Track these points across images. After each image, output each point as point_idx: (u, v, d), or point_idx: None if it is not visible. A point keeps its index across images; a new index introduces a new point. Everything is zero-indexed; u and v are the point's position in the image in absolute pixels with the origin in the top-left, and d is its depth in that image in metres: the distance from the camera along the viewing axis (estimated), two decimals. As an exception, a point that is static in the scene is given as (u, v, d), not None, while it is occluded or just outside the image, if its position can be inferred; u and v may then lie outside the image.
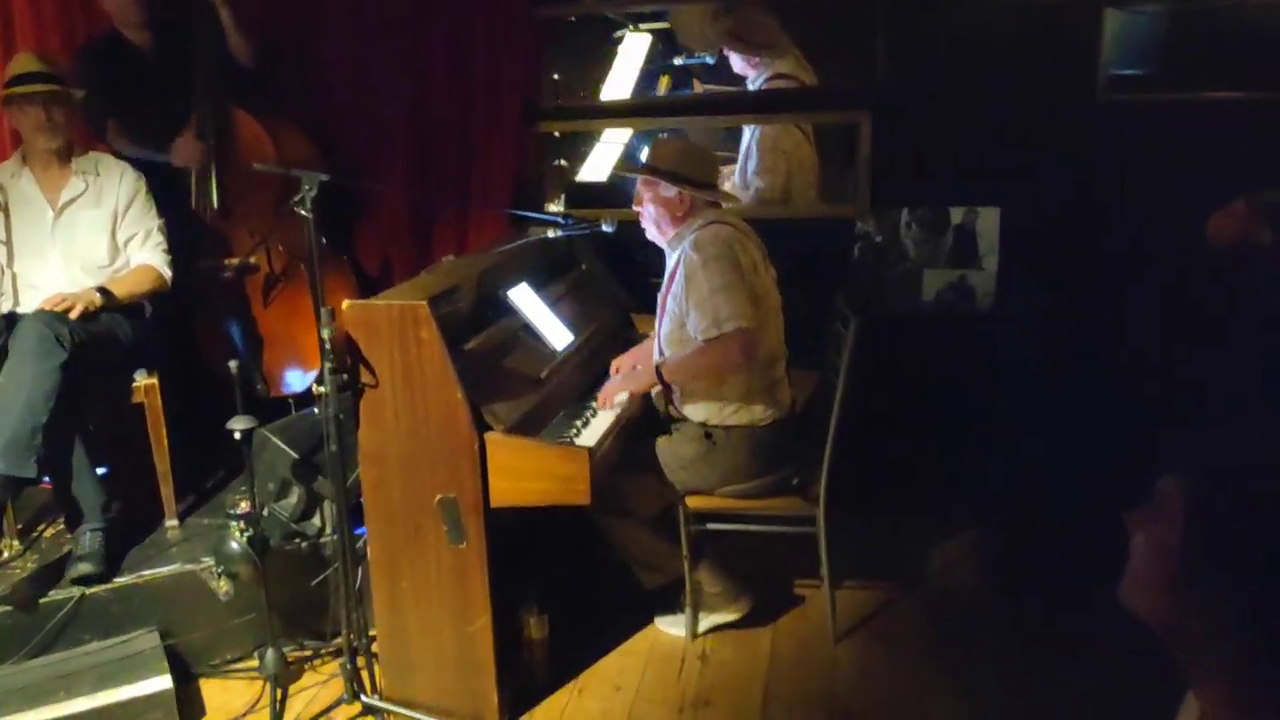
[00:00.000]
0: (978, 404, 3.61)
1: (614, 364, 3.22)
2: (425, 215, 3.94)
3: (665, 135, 3.96)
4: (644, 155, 3.15)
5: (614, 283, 3.77)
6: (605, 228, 3.20)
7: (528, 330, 3.03)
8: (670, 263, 2.98)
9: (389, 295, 2.71)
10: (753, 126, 4.19)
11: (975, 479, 3.55)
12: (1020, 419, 3.54)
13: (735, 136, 4.47)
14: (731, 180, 4.59)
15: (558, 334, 3.14)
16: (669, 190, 2.92)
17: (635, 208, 3.00)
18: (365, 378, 2.59)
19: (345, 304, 2.59)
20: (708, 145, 4.74)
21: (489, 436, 2.58)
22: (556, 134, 4.35)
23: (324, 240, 3.71)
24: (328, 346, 2.45)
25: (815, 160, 4.22)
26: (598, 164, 4.41)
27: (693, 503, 2.97)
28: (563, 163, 4.59)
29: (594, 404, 2.98)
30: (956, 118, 3.69)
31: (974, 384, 3.65)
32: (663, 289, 2.97)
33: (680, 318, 2.87)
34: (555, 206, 4.23)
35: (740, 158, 4.30)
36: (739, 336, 2.73)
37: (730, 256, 2.80)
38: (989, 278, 3.77)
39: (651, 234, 3.02)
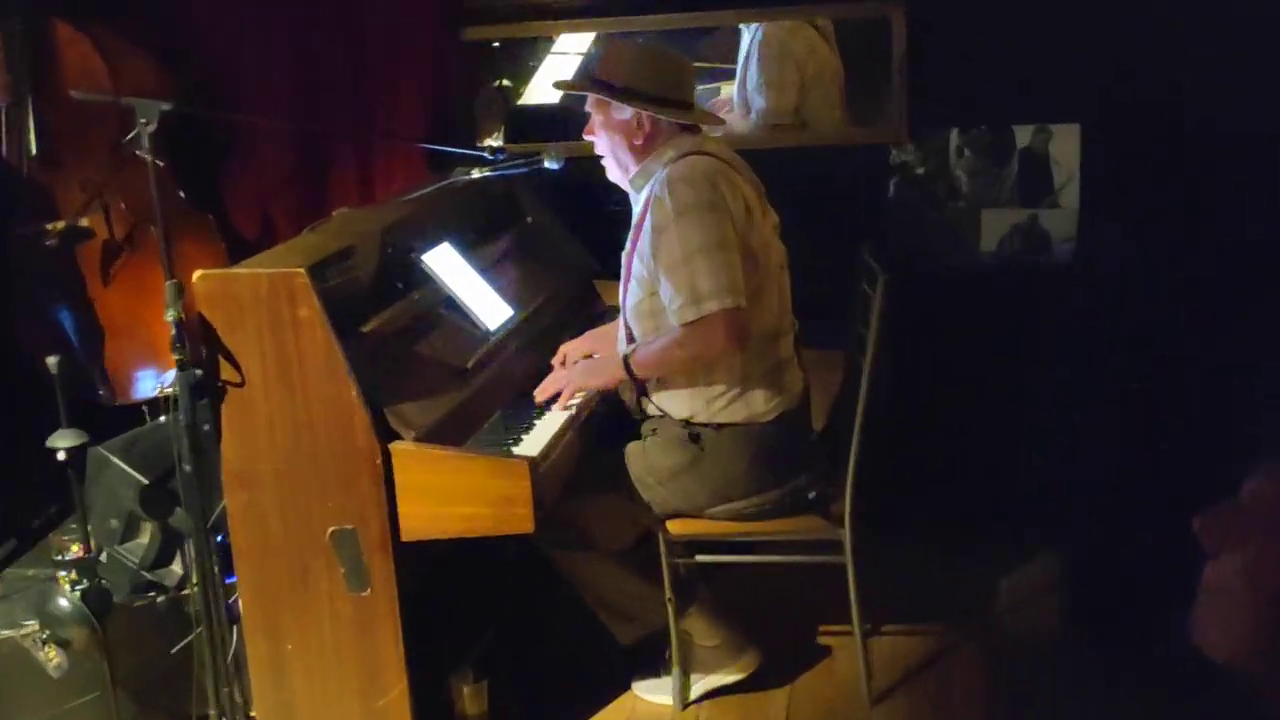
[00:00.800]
0: (1053, 390, 3.63)
1: (561, 350, 3.22)
2: (316, 156, 3.96)
3: (623, 38, 3.96)
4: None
5: (571, 239, 3.78)
6: (549, 164, 3.20)
7: (451, 305, 3.03)
8: (635, 210, 2.98)
9: (257, 261, 2.72)
10: (753, 26, 4.21)
11: (1052, 487, 3.57)
12: (1111, 409, 3.56)
13: (731, 40, 4.50)
14: (727, 102, 4.64)
15: (492, 309, 3.14)
16: (622, 111, 2.92)
17: (587, 137, 3.00)
18: (227, 373, 2.59)
19: (196, 275, 2.59)
20: (699, 52, 4.78)
21: (396, 448, 2.58)
22: (495, 43, 4.38)
23: (181, 194, 3.77)
24: (174, 333, 2.47)
25: (838, 69, 4.25)
26: (549, 82, 4.39)
27: (676, 528, 2.96)
28: (505, 83, 4.63)
29: (538, 402, 2.99)
30: (1022, 5, 3.69)
31: (1048, 362, 3.67)
32: (627, 245, 2.98)
33: (650, 284, 2.88)
34: (493, 141, 4.24)
35: (738, 69, 4.33)
36: (725, 319, 2.75)
37: (712, 201, 2.80)
38: (1068, 219, 3.80)
39: (612, 173, 3.02)
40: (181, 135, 3.64)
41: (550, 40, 4.71)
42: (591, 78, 2.95)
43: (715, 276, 2.74)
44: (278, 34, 3.89)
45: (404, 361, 2.77)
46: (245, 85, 3.91)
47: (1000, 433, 3.71)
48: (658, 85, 2.90)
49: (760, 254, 2.88)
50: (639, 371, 2.90)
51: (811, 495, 2.97)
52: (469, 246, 3.26)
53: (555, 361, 3.20)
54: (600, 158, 3.00)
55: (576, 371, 3.03)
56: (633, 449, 2.99)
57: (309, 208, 3.89)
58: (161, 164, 2.62)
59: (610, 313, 3.49)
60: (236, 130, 3.92)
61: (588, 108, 2.98)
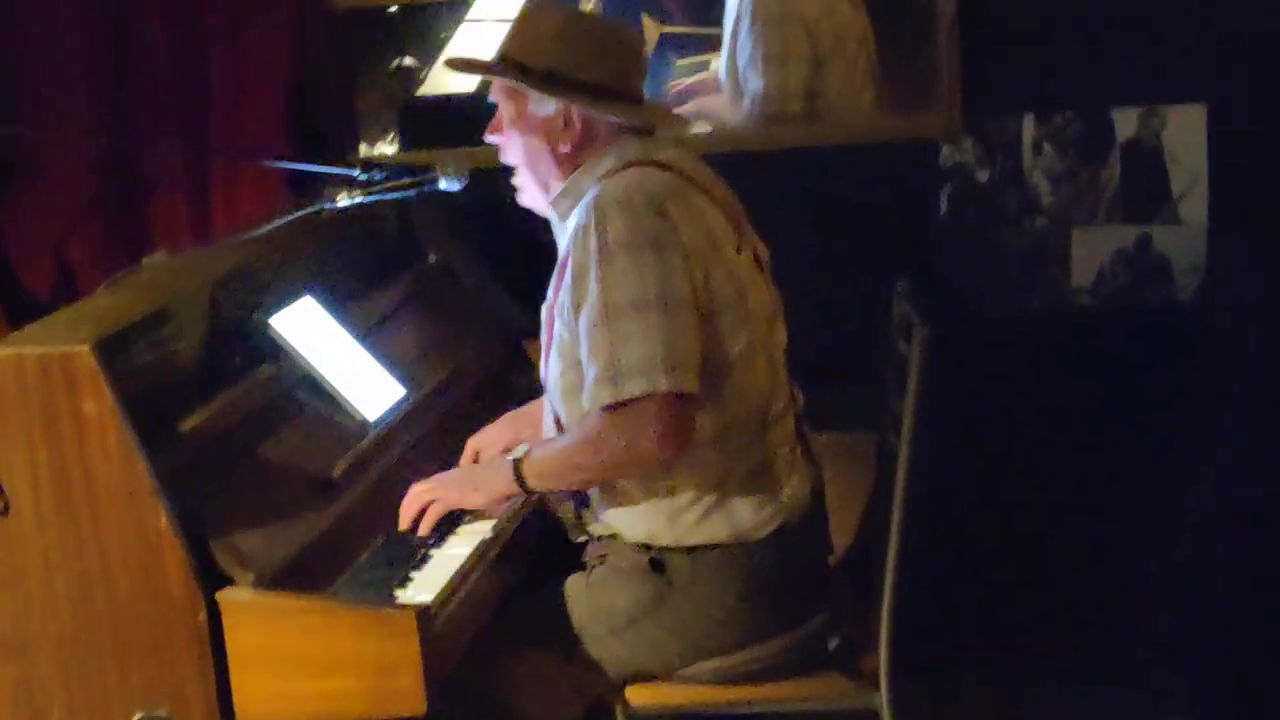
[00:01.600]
0: (1176, 475, 3.62)
1: (470, 446, 3.20)
2: (129, 176, 3.98)
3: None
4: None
5: (493, 286, 3.80)
6: (446, 183, 3.22)
7: (312, 387, 3.05)
8: (561, 244, 2.96)
9: (27, 335, 2.74)
10: None
11: (1180, 610, 3.58)
12: (1257, 499, 3.56)
13: (716, 1, 4.49)
14: (713, 83, 4.60)
15: (373, 390, 3.15)
16: (542, 105, 2.91)
17: (489, 138, 3.00)
18: None
19: None
20: (667, 12, 4.75)
21: (227, 598, 2.56)
22: (391, 8, 4.36)
23: None
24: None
25: (866, 34, 4.24)
26: (444, 65, 4.43)
27: (639, 697, 2.94)
28: (406, 63, 4.62)
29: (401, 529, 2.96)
30: None
31: (1169, 437, 3.66)
32: (548, 295, 2.96)
33: (574, 351, 2.85)
34: (383, 147, 4.25)
35: (725, 36, 4.34)
36: (656, 409, 2.71)
37: (656, 235, 2.76)
38: (1192, 239, 3.79)
39: (526, 194, 3.02)
40: None
41: (465, 3, 4.67)
42: (501, 56, 2.94)
43: (647, 344, 2.71)
44: (74, 7, 3.89)
45: (240, 473, 2.77)
46: (28, 79, 3.93)
47: (1103, 538, 3.73)
48: (594, 68, 2.89)
49: (736, 305, 2.84)
50: (535, 482, 2.89)
51: (831, 645, 2.97)
52: (341, 301, 3.27)
53: (464, 458, 3.20)
54: (509, 171, 3.00)
55: (447, 482, 3.00)
56: (574, 585, 2.96)
57: (120, 249, 3.91)
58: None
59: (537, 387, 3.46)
60: (17, 142, 3.92)
61: (493, 96, 2.98)
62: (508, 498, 2.94)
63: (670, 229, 2.76)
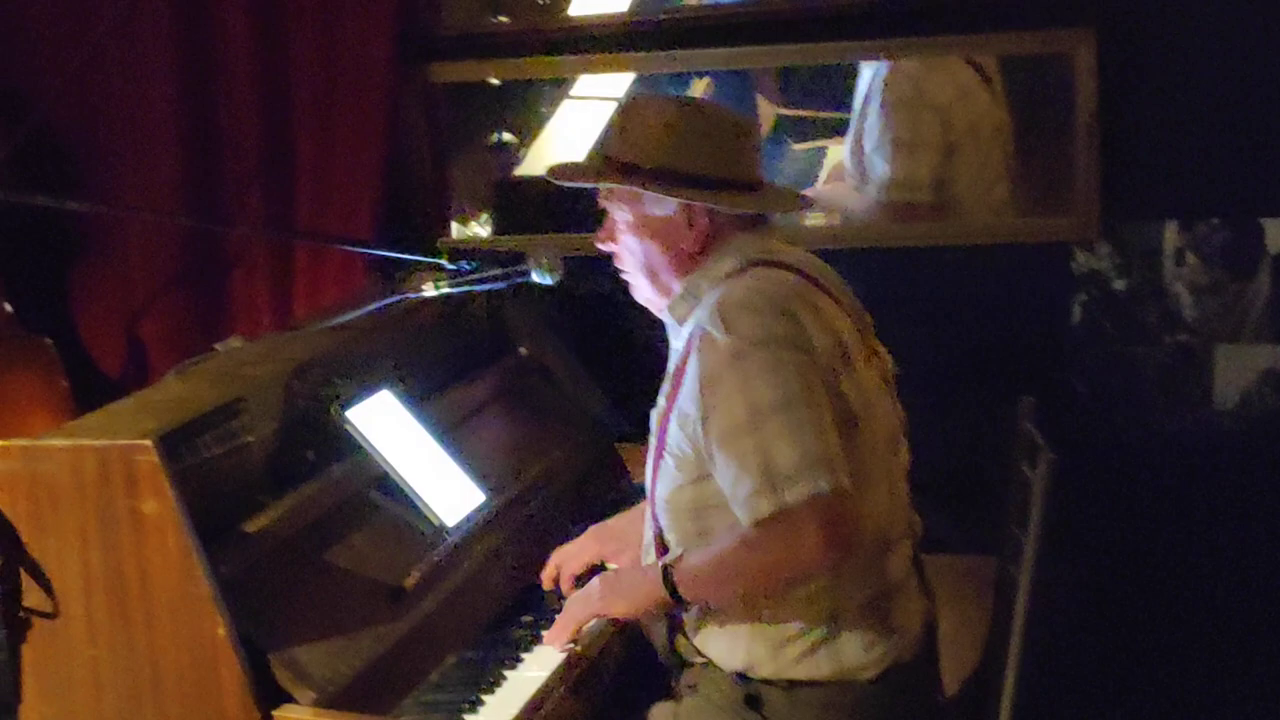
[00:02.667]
0: None
1: (553, 561, 3.19)
2: (210, 253, 4.00)
3: (654, 97, 3.94)
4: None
5: (586, 382, 3.80)
6: (539, 276, 3.24)
7: (387, 488, 3.05)
8: (675, 350, 2.95)
9: (85, 426, 2.74)
10: (874, 64, 4.24)
11: None
12: None
13: (836, 83, 4.54)
14: (839, 171, 4.61)
15: (452, 493, 3.15)
16: (661, 205, 2.89)
17: (603, 247, 2.99)
18: (32, 599, 2.60)
19: None
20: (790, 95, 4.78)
21: (284, 716, 2.55)
22: (494, 80, 4.42)
23: (9, 308, 3.84)
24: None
25: (1004, 126, 4.27)
26: (564, 144, 4.43)
27: None
28: (507, 138, 4.66)
29: (524, 641, 2.95)
30: (1272, 32, 3.67)
31: None
32: (660, 403, 2.93)
33: (696, 464, 2.82)
34: (477, 228, 4.28)
35: (853, 119, 4.37)
36: (821, 511, 2.66)
37: (790, 335, 2.75)
38: None
39: (640, 293, 3.00)
40: (11, 218, 3.71)
41: (569, 83, 4.73)
42: (606, 159, 2.93)
43: (800, 443, 2.67)
44: (158, 77, 3.93)
45: (306, 580, 2.76)
46: (108, 150, 3.97)
47: (1245, 684, 3.67)
48: (710, 158, 2.87)
49: (862, 420, 2.81)
50: (689, 591, 2.82)
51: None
52: (422, 396, 3.28)
53: (546, 575, 3.17)
54: (624, 274, 2.99)
55: (590, 594, 2.95)
56: (661, 714, 2.93)
57: (196, 329, 3.94)
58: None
59: (634, 493, 3.48)
60: (93, 216, 3.97)
61: (603, 201, 2.97)
62: (657, 605, 2.87)
63: (800, 332, 2.75)
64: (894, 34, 3.97)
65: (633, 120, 2.95)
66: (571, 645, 2.94)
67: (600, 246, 2.98)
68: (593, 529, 3.23)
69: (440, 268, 3.24)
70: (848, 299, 2.94)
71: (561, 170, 3.08)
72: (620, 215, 2.92)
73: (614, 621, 2.97)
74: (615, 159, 2.90)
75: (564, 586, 3.15)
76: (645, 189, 2.86)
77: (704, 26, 4.17)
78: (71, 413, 3.66)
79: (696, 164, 2.86)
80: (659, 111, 2.94)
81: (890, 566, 2.88)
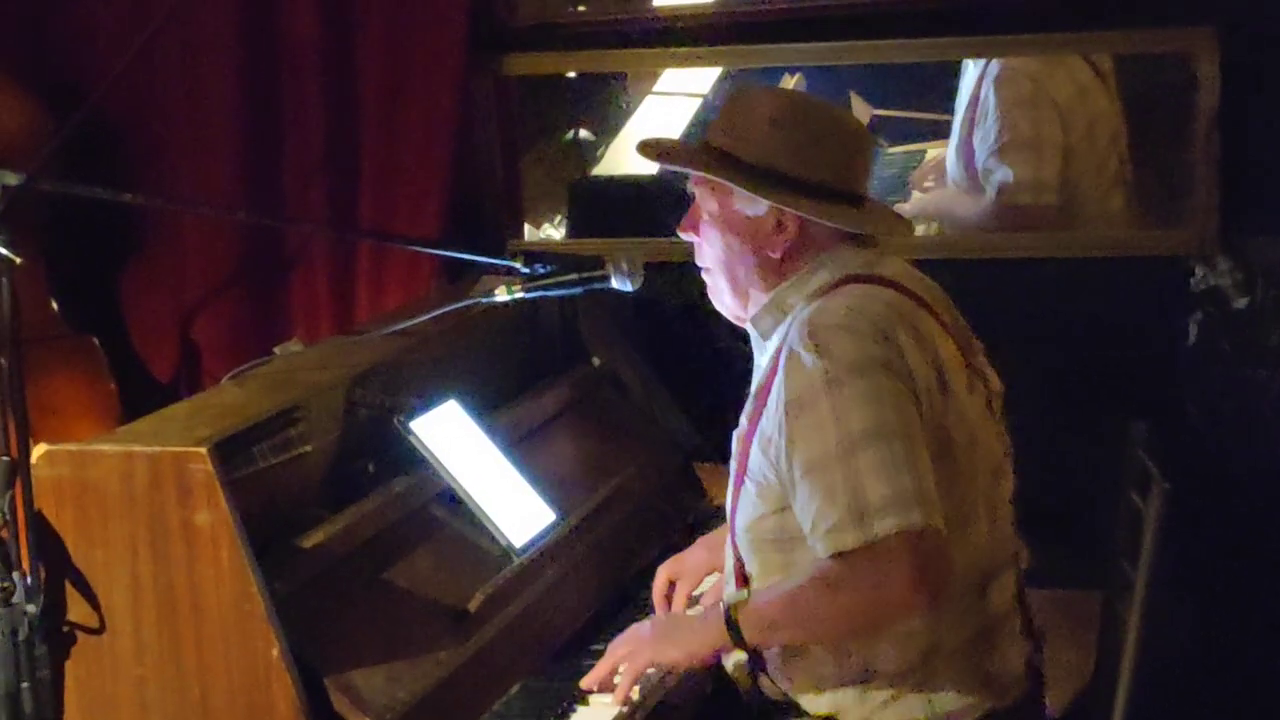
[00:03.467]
0: None
1: (663, 572, 3.17)
2: (270, 251, 4.02)
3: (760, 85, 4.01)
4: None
5: (663, 397, 3.80)
6: (618, 282, 3.23)
7: (451, 503, 3.06)
8: (759, 366, 2.93)
9: (140, 430, 2.76)
10: (982, 61, 4.24)
11: None
12: None
13: (939, 81, 4.54)
14: (934, 170, 4.58)
15: (521, 511, 3.15)
16: (752, 204, 2.87)
17: (684, 235, 2.98)
18: (77, 612, 2.60)
19: (39, 451, 2.62)
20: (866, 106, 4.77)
21: None
22: (570, 74, 4.42)
23: (54, 306, 3.85)
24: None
25: (1121, 131, 4.27)
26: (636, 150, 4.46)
27: None
28: (584, 134, 4.66)
29: (587, 674, 2.92)
30: None
31: None
32: (742, 423, 2.92)
33: (779, 492, 2.80)
34: (550, 230, 4.28)
35: (957, 121, 4.39)
36: (911, 549, 2.64)
37: (887, 359, 2.72)
38: None
39: (722, 299, 2.98)
40: (61, 212, 3.72)
41: (652, 79, 4.73)
42: (705, 145, 2.92)
43: (895, 476, 2.65)
44: (218, 66, 3.96)
45: (365, 599, 2.77)
46: (164, 141, 3.99)
47: None
48: (815, 164, 2.85)
49: (963, 452, 2.80)
50: (754, 635, 2.79)
51: None
52: (490, 408, 3.29)
53: (656, 589, 3.16)
54: (703, 271, 2.97)
55: (639, 639, 2.93)
56: None
57: (253, 332, 3.96)
58: (18, 260, 2.61)
59: (714, 518, 3.47)
60: (146, 210, 3.99)
61: (693, 187, 2.95)
62: (715, 651, 2.86)
63: (898, 356, 2.72)
64: (1004, 30, 3.95)
65: (739, 109, 2.94)
66: (623, 702, 2.88)
67: (681, 234, 2.97)
68: (703, 539, 3.23)
69: (513, 271, 3.23)
70: (953, 318, 2.91)
71: (654, 146, 3.08)
72: (706, 204, 2.91)
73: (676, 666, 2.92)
74: (715, 147, 2.89)
75: (676, 604, 3.14)
76: (737, 185, 2.84)
77: (797, 19, 4.15)
78: (119, 418, 3.70)
79: (799, 167, 2.84)
80: (769, 104, 2.93)
81: (991, 601, 2.86)
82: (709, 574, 3.16)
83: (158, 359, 4.03)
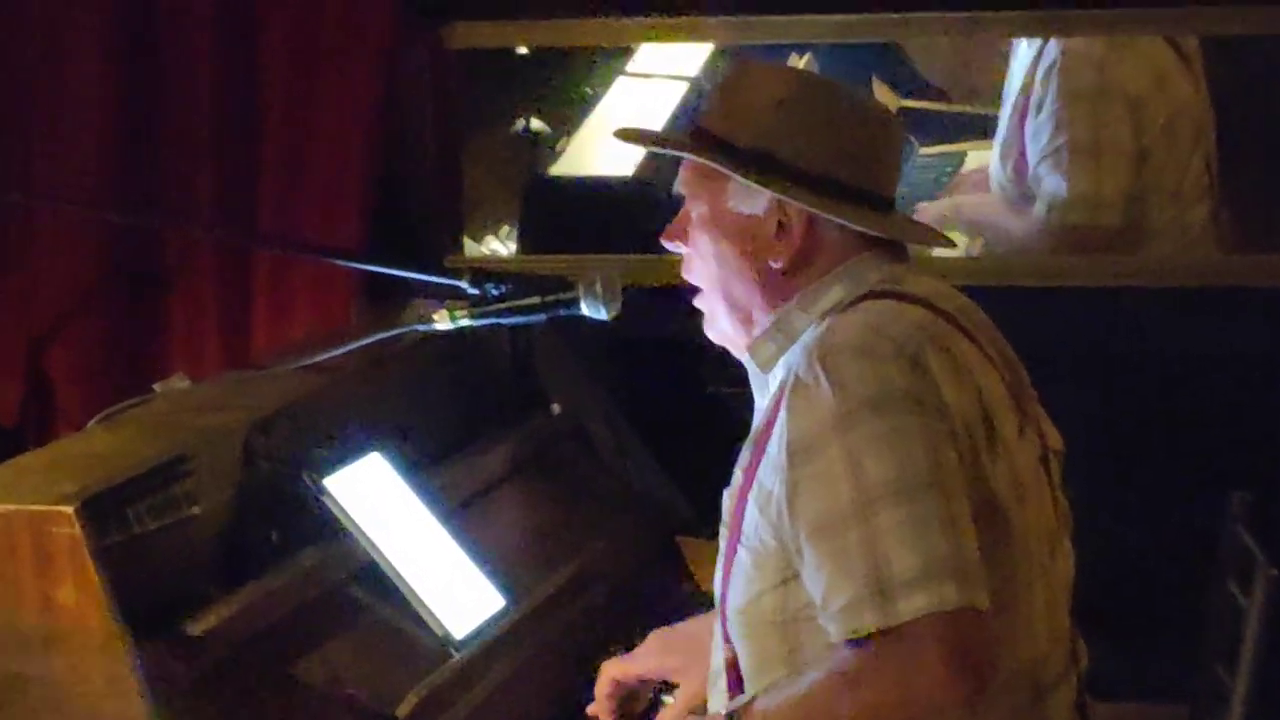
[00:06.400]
0: None
1: (606, 671, 3.17)
2: (140, 263, 4.02)
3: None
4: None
5: (638, 453, 3.82)
6: (591, 308, 3.25)
7: (374, 581, 3.08)
8: (760, 405, 2.94)
9: None
10: (1037, 42, 4.29)
11: None
12: None
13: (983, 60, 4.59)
14: (975, 176, 4.62)
15: (462, 591, 3.18)
16: (749, 199, 2.88)
17: (669, 245, 2.97)
18: None
19: None
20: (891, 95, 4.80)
21: None
22: (523, 49, 4.47)
23: None
24: None
25: (1208, 126, 4.31)
26: (614, 129, 4.45)
27: None
28: (536, 125, 4.67)
29: None
30: None
31: None
32: (735, 476, 2.92)
33: (780, 559, 2.80)
34: (498, 244, 4.30)
35: (1004, 117, 4.44)
36: (944, 632, 2.63)
37: (916, 392, 2.71)
38: None
39: (718, 326, 2.99)
40: None
41: (622, 52, 4.73)
42: (694, 129, 2.93)
43: (923, 540, 2.64)
44: (78, 27, 3.96)
45: (267, 701, 2.78)
46: (8, 118, 3.99)
47: None
48: (828, 153, 2.86)
49: (1011, 512, 2.79)
50: None
51: None
52: (422, 463, 3.33)
53: (598, 694, 3.16)
54: (692, 293, 2.98)
55: None
56: None
57: (121, 364, 3.96)
58: None
59: (694, 602, 3.47)
60: None
61: (679, 186, 2.96)
62: None
63: (930, 387, 2.72)
64: (1064, 3, 4.00)
65: (739, 87, 2.96)
66: None
67: (665, 243, 2.96)
68: (656, 634, 3.22)
69: (457, 293, 3.22)
70: (997, 347, 2.90)
71: (632, 133, 3.12)
72: (696, 206, 2.91)
73: None
74: (706, 131, 2.90)
75: (600, 706, 3.15)
76: (729, 170, 2.84)
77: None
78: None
79: (807, 155, 2.83)
80: (775, 82, 2.93)
81: (1046, 710, 2.86)
82: (649, 676, 3.16)
83: (5, 399, 4.01)
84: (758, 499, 2.79)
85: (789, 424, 2.72)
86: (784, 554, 2.76)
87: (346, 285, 3.88)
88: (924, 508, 2.63)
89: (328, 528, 3.03)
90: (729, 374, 3.09)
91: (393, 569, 3.04)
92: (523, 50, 4.62)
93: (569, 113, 4.78)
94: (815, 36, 4.40)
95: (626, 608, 3.49)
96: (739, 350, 2.96)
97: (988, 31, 4.30)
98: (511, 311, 3.24)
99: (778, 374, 2.85)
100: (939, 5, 4.00)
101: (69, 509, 2.53)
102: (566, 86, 4.85)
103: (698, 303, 2.97)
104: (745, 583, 2.84)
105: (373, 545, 3.04)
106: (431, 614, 3.04)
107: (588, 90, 4.82)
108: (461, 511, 3.26)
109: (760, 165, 2.82)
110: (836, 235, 2.86)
